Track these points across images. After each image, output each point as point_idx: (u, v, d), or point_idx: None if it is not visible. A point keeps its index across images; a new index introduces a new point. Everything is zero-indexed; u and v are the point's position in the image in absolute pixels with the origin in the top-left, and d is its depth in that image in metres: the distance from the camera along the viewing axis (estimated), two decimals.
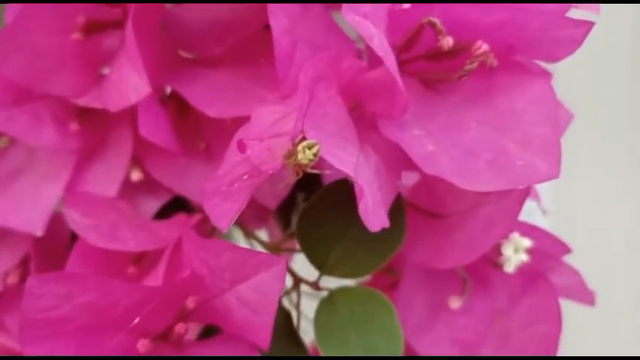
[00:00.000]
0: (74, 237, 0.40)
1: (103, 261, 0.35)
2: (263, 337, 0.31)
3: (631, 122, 0.80)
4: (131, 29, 0.33)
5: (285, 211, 0.45)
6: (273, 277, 0.30)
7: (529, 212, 0.42)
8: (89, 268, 0.34)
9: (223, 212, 0.30)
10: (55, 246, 0.41)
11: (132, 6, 0.34)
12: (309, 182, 0.42)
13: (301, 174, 0.27)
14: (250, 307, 0.31)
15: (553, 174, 0.30)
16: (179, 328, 0.31)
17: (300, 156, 0.26)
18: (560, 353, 0.42)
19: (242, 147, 0.30)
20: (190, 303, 0.31)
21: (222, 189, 0.31)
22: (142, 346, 0.29)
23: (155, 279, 0.32)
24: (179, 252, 0.34)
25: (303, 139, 0.27)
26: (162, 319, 0.31)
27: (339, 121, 0.30)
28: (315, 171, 0.27)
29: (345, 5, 0.29)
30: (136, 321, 0.28)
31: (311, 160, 0.26)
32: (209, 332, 0.36)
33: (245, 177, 0.31)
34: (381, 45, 0.29)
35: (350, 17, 0.29)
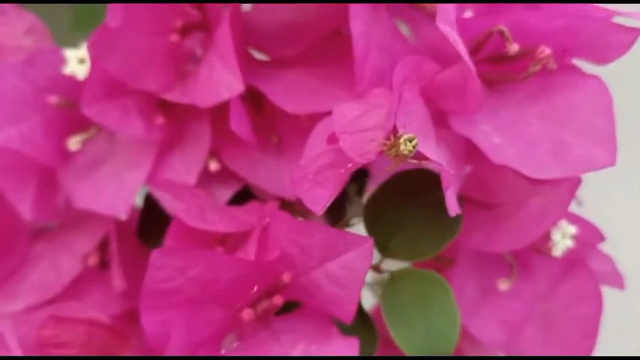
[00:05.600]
0: (141, 226, 0.44)
1: (194, 242, 0.38)
2: (348, 311, 0.34)
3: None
4: (227, 30, 0.37)
5: (337, 202, 0.49)
6: (362, 254, 0.33)
7: None
8: (184, 247, 0.37)
9: (316, 197, 0.34)
10: (128, 233, 0.45)
11: (225, 10, 0.37)
12: (358, 175, 0.46)
13: (401, 164, 0.31)
14: (338, 283, 0.34)
15: (610, 162, 0.34)
16: (276, 300, 0.34)
17: (402, 147, 0.30)
18: None
19: (334, 139, 0.34)
20: (286, 277, 0.34)
21: (310, 177, 0.35)
22: (247, 315, 0.33)
23: (246, 256, 0.36)
24: (265, 234, 0.37)
25: (402, 133, 0.30)
26: (256, 292, 0.34)
27: (422, 118, 0.34)
28: (413, 161, 0.31)
29: (438, 18, 0.33)
30: (254, 289, 0.31)
31: (411, 152, 0.30)
32: (285, 308, 0.39)
33: (331, 166, 0.34)
34: (464, 51, 0.33)
35: (442, 27, 0.32)
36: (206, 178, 0.43)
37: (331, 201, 0.33)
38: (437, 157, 0.31)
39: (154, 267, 0.31)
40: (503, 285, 0.43)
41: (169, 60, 0.41)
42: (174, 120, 0.43)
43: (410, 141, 0.30)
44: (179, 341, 0.31)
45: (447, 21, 0.32)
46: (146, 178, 0.42)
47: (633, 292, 0.51)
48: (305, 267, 0.35)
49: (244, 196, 0.44)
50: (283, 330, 0.35)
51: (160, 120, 0.41)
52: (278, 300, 0.34)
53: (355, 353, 0.34)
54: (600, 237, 0.44)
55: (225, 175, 0.43)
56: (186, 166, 0.42)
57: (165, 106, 0.42)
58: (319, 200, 0.34)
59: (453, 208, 0.33)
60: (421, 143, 0.31)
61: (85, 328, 0.36)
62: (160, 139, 0.42)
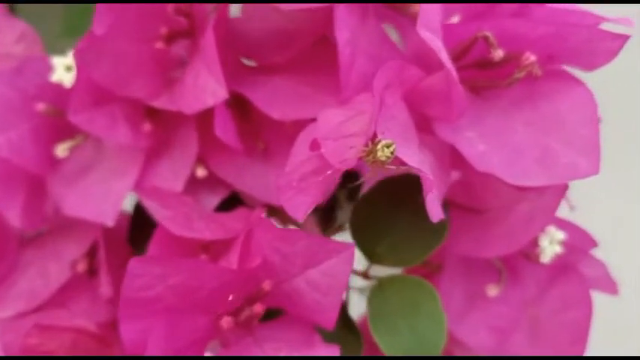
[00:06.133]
0: (131, 233, 0.44)
1: (178, 250, 0.38)
2: (330, 318, 0.34)
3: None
4: (211, 37, 0.37)
5: (327, 208, 0.49)
6: (343, 261, 0.33)
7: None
8: (167, 255, 0.37)
9: (298, 205, 0.34)
10: (116, 240, 0.45)
11: (211, 16, 0.37)
12: (345, 179, 0.45)
13: (379, 170, 0.31)
14: (320, 291, 0.34)
15: (594, 170, 0.34)
16: (257, 307, 0.34)
17: (379, 154, 0.30)
18: None
19: (315, 145, 0.34)
20: (267, 285, 0.34)
21: (294, 184, 0.35)
22: (226, 323, 0.33)
23: (229, 264, 0.36)
24: (248, 241, 0.37)
25: (380, 139, 0.30)
26: (238, 300, 0.34)
27: (404, 123, 0.33)
28: (392, 167, 0.30)
29: (419, 23, 0.32)
30: (230, 298, 0.31)
31: (388, 158, 0.30)
32: (269, 316, 0.39)
33: (314, 173, 0.34)
34: (446, 58, 0.32)
35: (423, 33, 0.32)
36: (194, 184, 0.43)
37: (312, 208, 0.33)
38: (416, 163, 0.31)
39: (132, 275, 0.31)
40: (492, 291, 0.42)
41: (156, 67, 0.41)
42: (162, 127, 0.43)
43: (388, 147, 0.30)
44: (156, 349, 0.31)
45: (429, 26, 0.32)
46: (133, 185, 0.42)
47: (629, 297, 0.51)
48: (287, 274, 0.35)
49: (233, 202, 0.45)
50: (266, 337, 0.35)
51: (147, 127, 0.41)
52: (259, 308, 0.34)
53: None
54: (592, 242, 0.44)
55: (213, 181, 0.43)
56: (174, 172, 0.42)
57: (153, 113, 0.42)
58: (300, 207, 0.33)
59: (434, 213, 0.33)
60: (400, 149, 0.31)
61: (70, 336, 0.36)
62: (147, 146, 0.42)
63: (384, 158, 0.30)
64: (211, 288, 0.33)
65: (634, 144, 0.83)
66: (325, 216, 0.49)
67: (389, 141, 0.30)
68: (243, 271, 0.34)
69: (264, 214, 0.38)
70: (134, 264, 0.31)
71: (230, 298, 0.32)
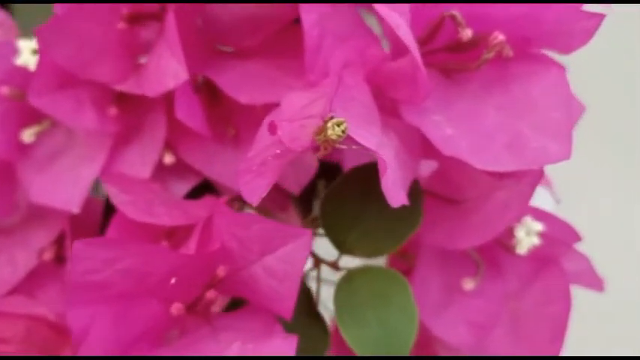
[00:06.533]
0: (105, 220, 0.43)
1: (138, 235, 0.37)
2: (287, 306, 0.33)
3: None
4: (172, 20, 0.36)
5: (305, 198, 0.47)
6: (299, 247, 0.32)
7: (545, 203, 0.44)
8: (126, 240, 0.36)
9: (254, 188, 0.32)
10: (87, 229, 0.44)
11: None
12: (329, 170, 0.44)
13: (329, 150, 0.30)
14: (276, 277, 0.33)
15: (564, 155, 0.32)
16: (210, 294, 0.33)
17: (329, 132, 0.28)
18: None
19: (273, 128, 0.32)
20: (221, 272, 0.33)
21: (254, 168, 0.34)
22: (176, 310, 0.32)
23: (187, 251, 0.35)
24: (209, 228, 0.36)
25: (332, 117, 0.29)
26: (193, 287, 0.33)
27: (365, 105, 0.32)
28: (343, 146, 0.29)
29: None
30: (172, 281, 0.30)
31: (339, 137, 0.28)
32: (233, 306, 0.38)
33: (275, 155, 0.33)
34: (406, 33, 0.31)
35: (381, 10, 0.31)
36: (164, 171, 0.42)
37: (266, 192, 0.32)
38: (373, 145, 0.30)
39: (78, 258, 0.30)
40: (469, 284, 0.41)
41: (123, 50, 0.40)
42: (131, 112, 0.42)
43: (338, 125, 0.28)
44: (101, 338, 0.30)
45: (394, 7, 0.31)
46: (101, 172, 0.41)
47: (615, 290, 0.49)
48: (245, 261, 0.33)
49: (208, 191, 0.43)
50: (224, 327, 0.34)
51: (112, 111, 0.40)
52: (212, 294, 0.33)
53: (292, 352, 0.32)
54: (575, 236, 0.42)
55: (183, 169, 0.42)
56: (142, 158, 0.41)
57: (122, 98, 0.42)
58: (256, 191, 0.32)
59: (392, 197, 0.32)
60: (355, 130, 0.29)
61: (24, 324, 0.35)
62: (114, 132, 0.41)
63: (334, 137, 0.28)
64: (163, 273, 0.32)
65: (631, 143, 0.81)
66: (303, 206, 0.48)
67: (340, 119, 0.29)
68: (197, 257, 0.32)
69: (226, 200, 0.37)
70: (79, 246, 0.30)
71: (173, 281, 0.30)
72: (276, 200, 0.47)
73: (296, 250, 0.32)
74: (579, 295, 0.41)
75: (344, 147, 0.29)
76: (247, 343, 0.32)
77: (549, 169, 0.37)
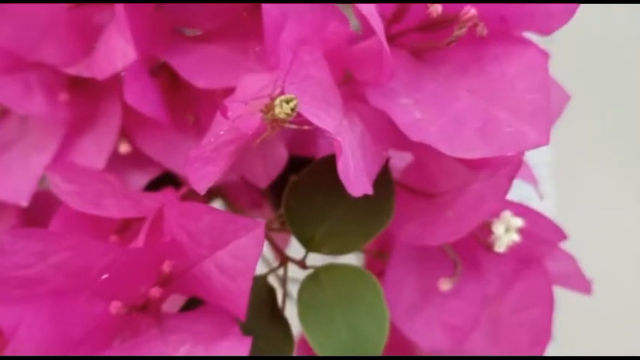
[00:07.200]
0: None
1: (85, 228, 0.34)
2: (240, 306, 0.30)
3: (638, 115, 0.79)
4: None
5: (277, 193, 0.45)
6: (252, 241, 0.29)
7: (528, 200, 0.41)
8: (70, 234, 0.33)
9: (202, 176, 0.30)
10: (40, 223, 0.41)
11: None
12: (301, 164, 0.42)
13: (277, 129, 0.27)
14: (228, 274, 0.30)
15: (542, 141, 0.29)
16: (154, 292, 0.30)
17: (277, 110, 0.26)
18: (556, 349, 0.41)
19: (224, 110, 0.30)
20: (166, 267, 0.30)
21: (205, 155, 0.31)
22: (114, 308, 0.29)
23: (137, 244, 0.32)
24: (161, 222, 0.33)
25: (282, 94, 0.26)
26: (138, 284, 0.31)
27: (323, 84, 0.29)
28: (292, 126, 0.26)
29: None
30: (104, 277, 0.27)
31: (288, 115, 0.26)
32: (192, 305, 0.35)
33: (229, 143, 0.31)
34: (369, 10, 0.29)
35: None
36: (122, 162, 0.40)
37: (213, 181, 0.29)
38: (328, 126, 0.27)
39: (4, 252, 0.27)
40: (445, 285, 0.38)
41: (74, 33, 0.37)
42: (85, 98, 0.39)
43: (287, 102, 0.26)
44: (31, 337, 0.27)
45: None
46: (52, 162, 0.38)
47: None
48: (195, 256, 0.31)
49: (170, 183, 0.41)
50: (175, 328, 0.31)
51: (64, 97, 0.38)
52: (156, 292, 0.30)
53: (245, 354, 0.30)
54: (560, 234, 0.40)
55: (143, 159, 0.40)
56: (96, 148, 0.39)
57: (77, 84, 0.39)
58: (205, 178, 0.30)
59: (352, 186, 0.29)
60: (308, 108, 0.27)
61: None
62: (67, 119, 0.39)
63: (282, 115, 0.26)
64: (102, 269, 0.29)
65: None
66: (274, 203, 0.46)
67: (289, 96, 0.26)
68: (140, 251, 0.30)
69: (184, 192, 0.35)
70: (5, 238, 0.27)
71: (104, 276, 0.28)
72: (250, 197, 0.45)
73: (248, 243, 0.29)
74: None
75: (293, 126, 0.26)
76: (197, 345, 0.30)
77: (546, 165, 0.35)
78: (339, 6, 0.35)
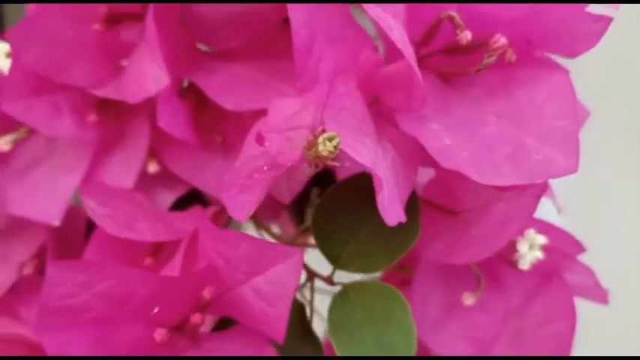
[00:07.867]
0: (90, 230, 0.41)
1: (120, 252, 0.35)
2: (278, 330, 0.31)
3: None
4: (152, 21, 0.33)
5: (298, 206, 0.45)
6: (290, 268, 0.30)
7: (546, 213, 0.42)
8: (106, 259, 0.34)
9: (241, 204, 0.30)
10: (71, 238, 0.42)
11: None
12: (323, 178, 0.42)
13: (321, 166, 0.27)
14: (266, 299, 0.31)
15: (571, 168, 0.30)
16: (195, 318, 0.31)
17: (320, 148, 0.26)
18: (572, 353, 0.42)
19: (260, 139, 0.30)
20: (207, 294, 0.31)
21: (240, 181, 0.31)
22: (159, 336, 0.30)
23: (172, 270, 0.33)
24: (195, 244, 0.34)
25: (323, 131, 0.27)
26: (178, 309, 0.31)
27: (357, 114, 0.30)
28: (335, 163, 0.27)
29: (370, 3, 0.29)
30: (155, 310, 0.28)
31: (331, 153, 0.26)
32: (224, 324, 0.36)
33: (264, 169, 0.31)
34: (400, 36, 0.29)
35: (371, 10, 0.29)
36: (149, 181, 0.40)
37: (254, 209, 0.30)
38: (367, 160, 0.28)
39: (51, 284, 0.28)
40: (468, 299, 0.39)
41: (101, 53, 0.37)
42: (113, 118, 0.39)
43: (330, 140, 0.26)
44: None
45: (387, 8, 0.29)
46: (81, 182, 0.39)
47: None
48: (232, 281, 0.31)
49: (196, 201, 0.41)
50: (212, 349, 0.32)
51: (92, 118, 0.38)
52: (197, 319, 0.31)
53: None
54: (579, 248, 0.40)
55: (170, 177, 0.40)
56: (125, 168, 0.39)
57: (105, 104, 0.39)
58: (244, 207, 0.30)
59: (388, 216, 0.29)
60: (348, 143, 0.27)
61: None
62: (95, 140, 0.39)
63: (326, 153, 0.26)
64: (144, 296, 0.30)
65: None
66: (295, 215, 0.46)
67: (332, 133, 0.26)
68: (181, 279, 0.30)
69: (210, 213, 0.35)
70: (53, 271, 0.28)
71: (155, 310, 0.28)
72: (268, 208, 0.45)
73: (286, 271, 0.30)
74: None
75: (336, 164, 0.27)
76: None
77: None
78: (354, 11, 0.36)
